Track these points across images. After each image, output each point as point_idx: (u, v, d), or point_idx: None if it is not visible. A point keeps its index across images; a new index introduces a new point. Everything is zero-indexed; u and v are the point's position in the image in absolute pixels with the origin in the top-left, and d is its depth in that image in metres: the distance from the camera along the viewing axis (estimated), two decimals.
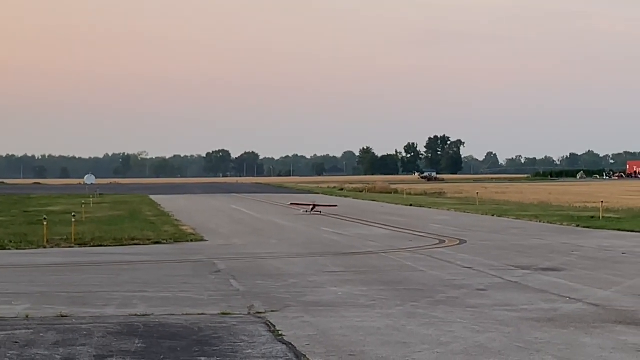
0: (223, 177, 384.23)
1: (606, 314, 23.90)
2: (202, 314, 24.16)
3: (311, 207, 78.64)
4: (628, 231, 54.93)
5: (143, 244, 47.75)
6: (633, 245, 44.69)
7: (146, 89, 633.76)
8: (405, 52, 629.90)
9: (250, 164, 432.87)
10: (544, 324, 22.25)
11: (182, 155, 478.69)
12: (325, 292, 28.51)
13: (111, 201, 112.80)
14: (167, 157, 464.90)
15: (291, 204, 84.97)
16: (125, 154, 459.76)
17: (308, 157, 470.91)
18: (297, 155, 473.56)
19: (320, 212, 76.88)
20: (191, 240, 50.23)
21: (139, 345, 19.89)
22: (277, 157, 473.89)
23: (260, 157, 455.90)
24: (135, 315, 23.92)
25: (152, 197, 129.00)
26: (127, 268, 36.39)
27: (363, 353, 18.81)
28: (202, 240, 50.76)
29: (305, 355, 18.51)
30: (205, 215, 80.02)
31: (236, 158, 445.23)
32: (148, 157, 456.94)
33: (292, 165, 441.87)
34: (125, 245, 47.19)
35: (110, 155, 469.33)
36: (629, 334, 20.91)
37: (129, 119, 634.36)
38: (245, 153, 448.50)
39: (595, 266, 35.87)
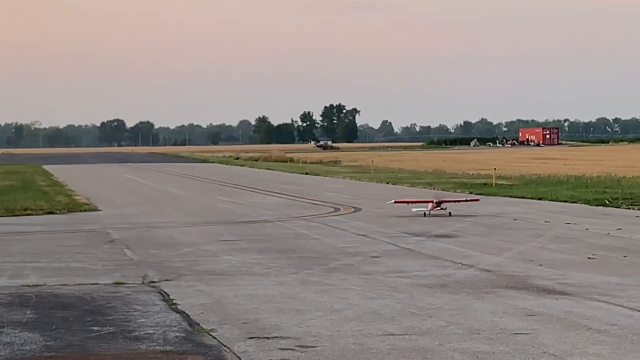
0: (118, 146, 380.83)
1: (497, 280, 24.18)
2: (96, 283, 23.99)
3: (433, 204, 43.73)
4: (519, 198, 55.60)
5: (36, 214, 47.19)
6: (524, 212, 45.26)
7: (38, 57, 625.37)
8: (301, 21, 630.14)
9: (145, 133, 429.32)
10: (437, 290, 22.46)
11: (76, 125, 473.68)
12: (219, 261, 28.47)
13: (3, 171, 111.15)
14: (61, 127, 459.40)
15: (395, 201, 46.68)
16: (18, 123, 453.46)
17: (204, 126, 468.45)
18: (192, 124, 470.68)
19: (450, 213, 42.86)
20: (85, 210, 49.76)
21: (30, 316, 19.69)
22: (172, 127, 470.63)
23: (156, 127, 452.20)
24: (27, 285, 23.68)
25: (46, 167, 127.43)
26: (19, 239, 35.98)
27: (257, 321, 18.83)
28: (95, 210, 50.32)
29: (199, 324, 18.47)
30: (99, 185, 79.34)
31: (131, 128, 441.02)
32: (41, 127, 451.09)
33: (187, 135, 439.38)
34: (18, 215, 46.59)
35: (2, 125, 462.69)
36: (519, 298, 21.18)
37: (22, 88, 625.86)
38: (140, 122, 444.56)
39: (487, 232, 36.29)
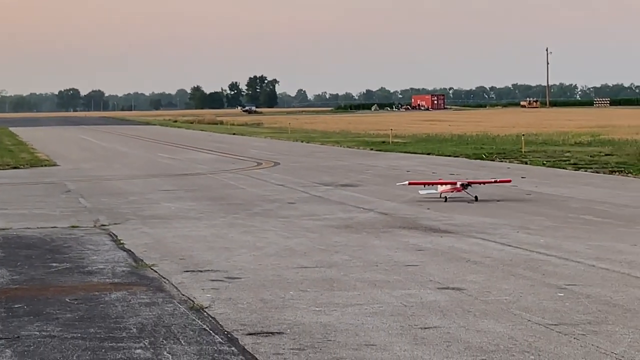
0: (73, 112, 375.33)
1: (393, 221, 24.35)
2: (54, 227, 23.75)
3: (459, 185, 29.02)
4: (412, 153, 55.95)
5: (2, 169, 46.57)
6: (416, 165, 45.55)
7: (7, 29, 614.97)
8: (229, 5, 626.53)
9: (97, 100, 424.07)
10: (342, 230, 22.57)
11: (37, 93, 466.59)
12: (160, 208, 28.32)
13: None
14: (25, 95, 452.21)
15: (409, 183, 31.13)
16: None
17: (147, 94, 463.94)
18: (137, 92, 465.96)
19: (477, 197, 28.65)
20: (45, 165, 49.20)
21: None
22: (120, 94, 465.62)
23: (106, 95, 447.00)
24: None
25: (11, 129, 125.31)
26: None
27: (191, 257, 18.80)
28: (54, 165, 49.76)
29: (142, 260, 18.39)
30: (57, 144, 78.29)
31: (85, 95, 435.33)
32: (7, 95, 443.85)
33: (133, 101, 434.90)
34: None
35: None
36: (410, 236, 21.36)
37: None
38: (93, 91, 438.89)
39: (385, 182, 36.44)
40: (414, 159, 50.77)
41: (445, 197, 28.59)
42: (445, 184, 29.33)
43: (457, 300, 14.05)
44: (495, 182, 30.38)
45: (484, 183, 30.15)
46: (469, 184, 29.07)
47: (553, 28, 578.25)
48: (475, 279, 15.81)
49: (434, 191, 29.27)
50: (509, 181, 30.92)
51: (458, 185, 28.62)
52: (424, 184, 30.36)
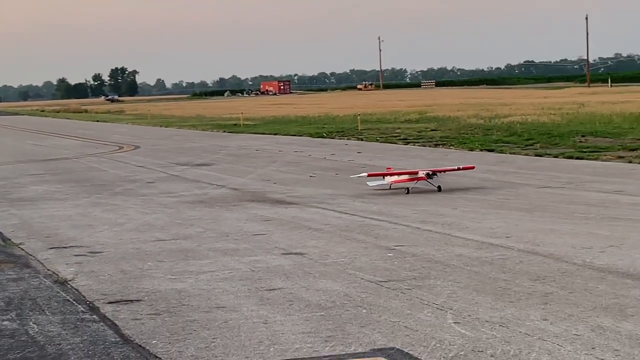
0: None
1: (243, 195, 24.34)
2: None
3: (422, 175, 23.71)
4: (261, 134, 55.99)
5: None
6: (264, 144, 45.61)
7: None
8: (90, 4, 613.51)
9: None
10: (197, 205, 22.44)
11: None
12: (27, 191, 27.59)
13: None
14: None
15: (369, 175, 24.89)
16: None
17: (15, 86, 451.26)
18: (5, 85, 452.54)
19: (440, 187, 23.48)
20: None
21: None
22: None
23: None
24: None
25: None
26: None
27: (57, 234, 18.39)
28: None
29: (10, 239, 17.90)
30: None
31: None
32: None
33: (1, 94, 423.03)
34: None
35: None
36: (258, 208, 21.40)
37: None
38: None
39: (236, 161, 36.41)
40: (262, 139, 50.81)
41: (408, 188, 23.51)
42: (405, 173, 24.12)
43: (299, 263, 14.15)
44: (459, 169, 25.16)
45: (446, 171, 24.77)
46: (434, 172, 23.86)
47: (385, 17, 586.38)
48: (315, 244, 15.94)
49: (383, 182, 24.09)
50: (473, 167, 26.16)
51: (421, 175, 23.55)
52: (384, 174, 24.41)
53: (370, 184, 24.33)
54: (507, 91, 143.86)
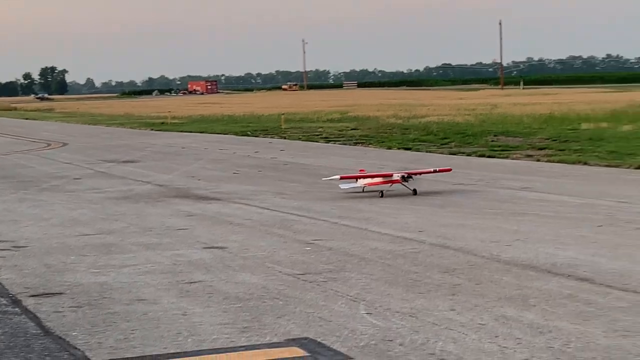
0: None
1: (167, 191, 24.15)
2: None
3: (397, 177, 21.87)
4: (188, 132, 55.66)
5: None
6: (190, 142, 45.35)
7: None
8: (18, 4, 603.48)
9: None
10: (122, 201, 22.20)
11: None
12: None
13: None
14: None
15: (341, 177, 22.62)
16: None
17: None
18: None
19: (416, 190, 21.81)
20: None
21: None
22: None
23: None
24: None
25: None
26: None
27: None
28: None
29: None
30: None
31: None
32: None
33: None
34: None
35: None
36: (182, 204, 21.25)
37: None
38: None
39: (162, 158, 36.13)
40: (189, 137, 50.53)
41: (382, 191, 21.72)
42: (379, 176, 22.33)
43: (219, 257, 14.10)
44: (435, 171, 22.97)
45: (422, 173, 22.71)
46: (409, 175, 21.96)
47: (309, 21, 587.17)
48: (236, 238, 15.89)
49: (356, 185, 22.17)
50: (449, 170, 23.64)
51: (395, 178, 21.73)
52: (357, 177, 22.43)
53: (342, 186, 22.23)
54: (425, 92, 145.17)
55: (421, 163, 30.37)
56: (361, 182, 22.15)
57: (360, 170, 23.68)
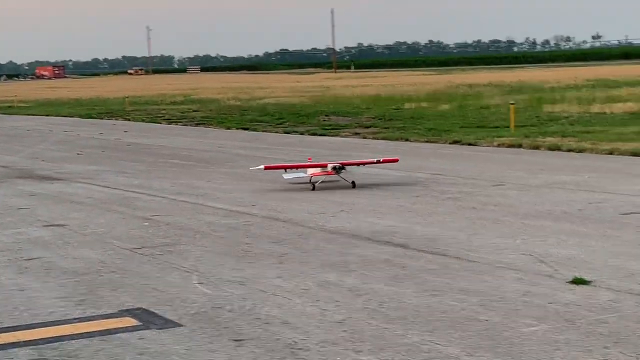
0: None
1: (11, 172, 23.29)
2: None
3: (330, 169, 18.20)
4: (34, 115, 53.89)
5: None
6: (36, 125, 43.95)
7: None
8: None
9: None
10: None
11: None
12: None
13: None
14: None
15: (265, 167, 18.81)
16: None
17: None
18: None
19: (354, 183, 18.20)
20: None
21: None
22: None
23: None
24: None
25: None
26: None
27: None
28: None
29: None
30: None
31: None
32: None
33: None
34: None
35: None
36: (25, 184, 20.53)
37: None
38: None
39: (7, 140, 34.86)
40: (35, 120, 48.94)
41: (313, 184, 18.22)
42: (313, 166, 18.85)
43: (59, 234, 13.69)
44: (379, 162, 19.38)
45: (364, 164, 19.39)
46: (342, 165, 18.48)
47: (153, 7, 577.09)
48: (77, 216, 15.49)
49: (303, 175, 18.68)
50: (396, 160, 20.16)
51: (329, 169, 18.34)
52: (284, 167, 19.21)
53: (286, 176, 18.85)
54: (264, 76, 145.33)
55: (257, 142, 30.41)
56: (310, 171, 18.61)
57: (309, 159, 20.54)
